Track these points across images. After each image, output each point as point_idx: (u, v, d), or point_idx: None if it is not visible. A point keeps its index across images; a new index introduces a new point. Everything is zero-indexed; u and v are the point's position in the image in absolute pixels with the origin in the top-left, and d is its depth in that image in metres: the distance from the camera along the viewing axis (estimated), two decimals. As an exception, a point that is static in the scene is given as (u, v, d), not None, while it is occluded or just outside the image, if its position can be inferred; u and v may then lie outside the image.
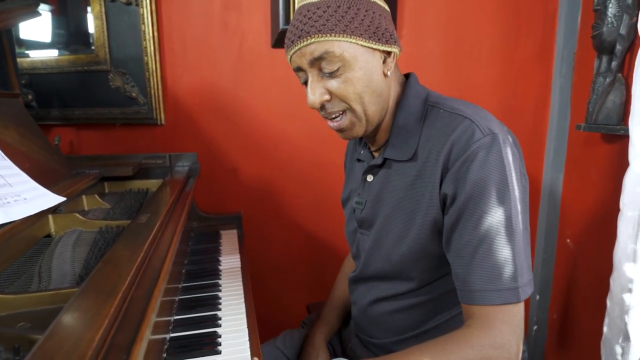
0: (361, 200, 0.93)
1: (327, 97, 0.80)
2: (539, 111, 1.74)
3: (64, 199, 0.90)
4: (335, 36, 0.75)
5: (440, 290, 0.86)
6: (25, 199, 0.81)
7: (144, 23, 1.61)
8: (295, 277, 1.87)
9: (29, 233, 0.91)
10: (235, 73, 1.68)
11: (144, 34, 1.62)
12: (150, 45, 1.62)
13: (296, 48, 0.78)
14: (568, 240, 1.64)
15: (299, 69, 0.82)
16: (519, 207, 0.74)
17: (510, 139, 0.81)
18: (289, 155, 1.75)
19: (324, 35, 0.75)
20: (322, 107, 0.82)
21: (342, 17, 0.75)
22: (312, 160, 1.75)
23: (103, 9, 1.62)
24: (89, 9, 1.63)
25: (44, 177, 1.02)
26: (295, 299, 1.86)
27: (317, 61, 0.77)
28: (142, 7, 1.59)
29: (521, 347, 0.74)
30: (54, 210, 0.97)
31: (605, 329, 1.23)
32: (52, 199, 0.88)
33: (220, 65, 1.67)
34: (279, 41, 1.61)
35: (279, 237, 1.82)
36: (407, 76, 0.91)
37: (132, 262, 0.64)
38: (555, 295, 1.75)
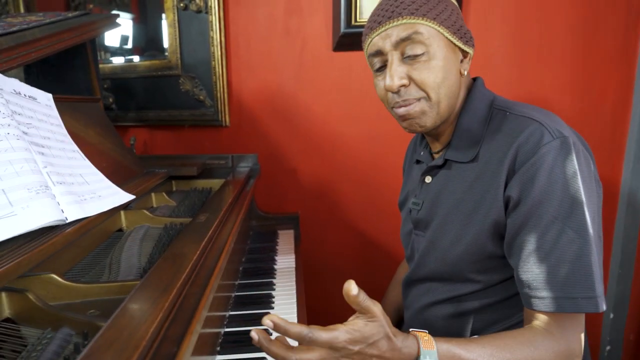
0: (418, 201, 0.93)
1: (405, 81, 0.79)
2: (618, 114, 1.61)
3: (134, 196, 0.98)
4: (426, 20, 0.77)
5: (502, 295, 0.83)
6: (100, 196, 0.89)
7: (212, 29, 1.69)
8: (349, 277, 1.86)
9: (104, 227, 1.00)
10: (296, 76, 1.71)
11: (212, 39, 1.70)
12: (217, 51, 1.71)
13: (383, 29, 0.79)
14: (648, 256, 1.50)
15: (377, 53, 0.82)
16: (588, 214, 0.71)
17: (581, 144, 0.77)
18: (347, 157, 1.76)
19: (417, 17, 0.77)
20: (397, 92, 0.81)
21: (433, 6, 0.78)
22: (369, 162, 1.75)
23: (176, 17, 1.72)
24: (163, 16, 1.74)
25: (118, 175, 1.11)
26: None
27: (402, 42, 0.78)
28: (212, 14, 1.68)
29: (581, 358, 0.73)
30: (125, 206, 1.05)
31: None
32: (124, 197, 0.96)
33: (282, 69, 1.71)
34: (339, 45, 1.62)
35: (335, 238, 1.83)
36: (474, 80, 0.91)
37: (189, 260, 0.68)
38: (632, 314, 1.61)
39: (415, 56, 0.78)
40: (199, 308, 0.59)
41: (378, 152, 1.73)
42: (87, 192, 0.87)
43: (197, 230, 0.83)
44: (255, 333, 0.61)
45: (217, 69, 1.73)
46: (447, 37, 0.79)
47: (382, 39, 0.80)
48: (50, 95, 0.97)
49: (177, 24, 1.73)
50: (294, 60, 1.70)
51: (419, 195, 0.93)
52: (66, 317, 0.62)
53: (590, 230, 0.70)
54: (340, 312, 1.86)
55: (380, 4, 0.82)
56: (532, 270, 0.73)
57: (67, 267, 0.83)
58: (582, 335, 0.73)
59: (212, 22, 1.68)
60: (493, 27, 1.59)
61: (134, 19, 1.87)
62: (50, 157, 0.82)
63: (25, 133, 0.79)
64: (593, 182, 0.75)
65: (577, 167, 0.71)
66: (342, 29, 1.59)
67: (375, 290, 1.84)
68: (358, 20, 1.59)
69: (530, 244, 0.72)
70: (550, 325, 0.72)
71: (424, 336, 0.70)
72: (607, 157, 1.61)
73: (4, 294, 0.64)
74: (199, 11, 1.69)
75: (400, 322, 1.13)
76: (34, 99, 0.91)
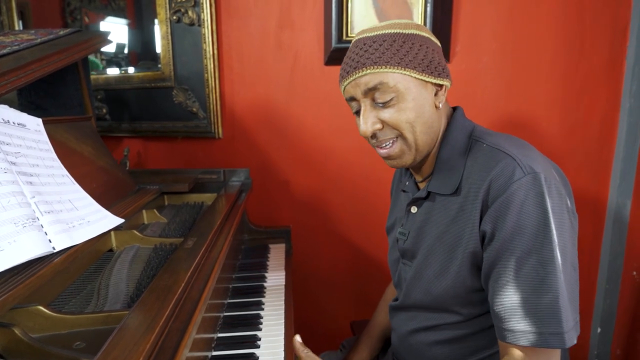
0: (404, 231, 0.95)
1: (378, 126, 0.83)
2: (605, 131, 1.62)
3: (123, 220, 0.99)
4: (389, 68, 0.79)
5: (482, 325, 0.86)
6: (88, 222, 0.90)
7: (205, 42, 1.70)
8: (340, 292, 1.89)
9: (93, 248, 1.01)
10: (288, 89, 1.72)
11: (205, 52, 1.71)
12: (210, 63, 1.71)
13: (351, 78, 0.83)
14: (634, 273, 1.52)
15: (352, 99, 0.86)
16: (558, 249, 0.72)
17: (556, 176, 0.78)
18: (339, 169, 1.77)
19: (379, 67, 0.79)
20: (374, 135, 0.85)
21: (397, 50, 0.79)
22: (361, 175, 1.76)
23: (169, 30, 1.73)
24: (157, 29, 1.75)
25: (110, 194, 1.12)
26: (340, 315, 1.88)
27: (370, 91, 0.81)
28: (204, 27, 1.68)
29: None
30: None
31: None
32: (113, 221, 0.97)
33: (275, 82, 1.72)
34: (331, 59, 1.63)
35: (326, 251, 1.85)
36: (454, 109, 0.91)
37: (173, 294, 0.69)
38: (619, 329, 1.63)
39: (385, 102, 0.81)
40: (181, 346, 0.60)
41: (370, 164, 1.74)
42: (75, 218, 0.88)
43: (184, 259, 0.85)
44: None
45: (210, 81, 1.74)
46: (415, 77, 0.80)
47: (352, 88, 0.83)
48: (39, 120, 0.97)
49: (170, 36, 1.73)
50: (286, 73, 1.71)
51: (405, 225, 0.95)
52: (51, 353, 0.64)
53: (560, 265, 0.72)
54: (331, 324, 1.89)
55: (349, 51, 0.85)
56: (503, 304, 0.74)
57: (54, 295, 0.84)
58: None
59: (204, 34, 1.69)
60: (482, 43, 1.60)
61: (129, 25, 1.88)
62: (39, 186, 0.83)
63: (14, 163, 0.80)
64: (565, 215, 0.75)
65: (548, 202, 0.72)
66: (334, 44, 1.60)
67: (366, 304, 1.86)
68: (349, 35, 1.61)
69: (503, 278, 0.74)
70: (520, 358, 0.74)
71: None
72: (594, 173, 1.63)
73: (-10, 329, 0.65)
74: (191, 24, 1.70)
75: (387, 344, 1.14)
76: (23, 125, 0.91)
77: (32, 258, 0.70)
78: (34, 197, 0.79)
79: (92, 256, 1.00)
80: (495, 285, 0.75)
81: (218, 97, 1.75)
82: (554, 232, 0.72)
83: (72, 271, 0.91)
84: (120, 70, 1.87)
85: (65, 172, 0.96)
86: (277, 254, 1.47)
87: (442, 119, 0.87)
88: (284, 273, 1.32)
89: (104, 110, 1.86)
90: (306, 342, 0.92)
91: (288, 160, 1.79)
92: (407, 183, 0.98)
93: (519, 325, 0.72)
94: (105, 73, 1.88)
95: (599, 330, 1.68)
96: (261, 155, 1.79)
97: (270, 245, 1.55)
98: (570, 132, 1.61)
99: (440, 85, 0.84)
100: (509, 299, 0.73)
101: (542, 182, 0.73)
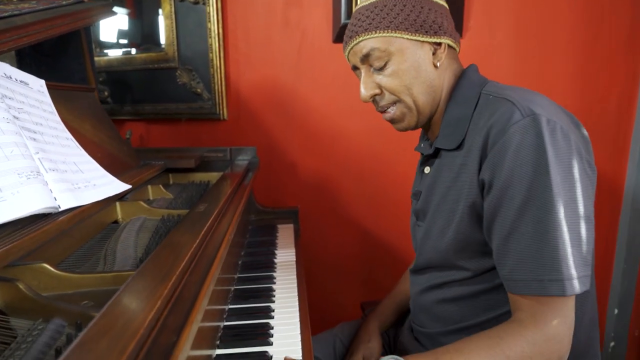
0: (417, 192, 0.94)
1: (377, 90, 0.85)
2: (623, 108, 1.59)
3: (129, 186, 0.95)
4: (379, 32, 0.81)
5: (491, 282, 0.82)
6: (94, 185, 0.86)
7: (210, 21, 1.66)
8: (349, 273, 1.85)
9: (98, 219, 0.96)
10: (295, 69, 1.68)
11: (210, 31, 1.67)
12: (215, 43, 1.67)
13: (349, 48, 0.86)
14: (654, 250, 1.48)
15: (355, 68, 0.89)
16: (560, 197, 0.68)
17: (568, 123, 0.75)
18: (347, 151, 1.73)
19: (370, 32, 0.82)
20: (374, 100, 0.88)
21: (387, 14, 0.81)
22: (369, 156, 1.72)
23: (173, 9, 1.69)
24: (159, 10, 1.71)
25: (114, 167, 1.07)
26: (350, 296, 1.84)
27: (366, 58, 0.84)
28: (209, 5, 1.64)
29: (572, 339, 0.72)
30: (120, 198, 1.01)
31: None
32: (119, 186, 0.92)
33: (281, 61, 1.68)
34: (339, 36, 1.59)
35: (334, 233, 1.81)
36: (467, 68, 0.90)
37: (188, 248, 0.65)
38: (637, 310, 1.59)
39: (380, 67, 0.83)
40: (200, 296, 0.56)
41: (378, 145, 1.70)
42: (81, 180, 0.83)
43: (197, 219, 0.80)
44: None
45: (214, 62, 1.69)
46: (408, 39, 0.81)
47: (352, 56, 0.87)
48: (42, 82, 0.93)
49: (174, 16, 1.69)
50: (293, 52, 1.67)
51: (419, 186, 0.95)
52: (58, 308, 0.59)
53: (561, 213, 0.68)
54: (339, 308, 1.84)
55: (349, 21, 0.87)
56: (507, 254, 0.73)
57: (59, 258, 0.79)
58: (567, 316, 0.71)
59: (209, 13, 1.65)
60: (496, 20, 1.57)
61: (129, 14, 1.83)
62: (43, 144, 0.79)
63: (16, 117, 0.76)
64: (575, 161, 0.71)
65: (548, 146, 0.68)
66: (343, 20, 1.56)
67: (376, 285, 1.82)
68: (359, 11, 1.56)
69: (504, 228, 0.72)
70: (531, 310, 0.71)
71: None
72: (612, 151, 1.59)
73: (-8, 284, 0.61)
74: (196, 2, 1.66)
75: (407, 313, 1.12)
76: (26, 84, 0.87)
77: (36, 212, 0.66)
78: (37, 152, 0.74)
79: (96, 226, 0.96)
80: (498, 236, 0.74)
81: (223, 77, 1.71)
82: (557, 177, 0.68)
83: (77, 237, 0.87)
84: (122, 52, 1.83)
85: (69, 135, 0.92)
86: (285, 233, 1.43)
87: (444, 77, 0.86)
88: (294, 250, 1.28)
89: (106, 93, 1.81)
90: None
91: (294, 142, 1.74)
92: (422, 145, 0.98)
93: (522, 275, 0.71)
94: (107, 55, 1.83)
95: (616, 311, 1.64)
96: (267, 137, 1.75)
97: (279, 226, 1.50)
98: (587, 110, 1.57)
99: (439, 44, 0.83)
100: (510, 249, 0.72)
101: (541, 125, 0.69)
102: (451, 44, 0.85)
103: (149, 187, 1.24)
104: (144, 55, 1.77)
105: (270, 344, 0.82)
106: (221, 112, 1.74)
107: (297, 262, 1.20)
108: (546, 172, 0.68)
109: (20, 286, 0.61)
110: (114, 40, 1.81)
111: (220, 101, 1.73)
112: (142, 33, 1.82)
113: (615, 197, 1.61)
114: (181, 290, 0.56)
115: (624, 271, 1.60)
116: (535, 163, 0.69)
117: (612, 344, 1.67)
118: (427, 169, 0.92)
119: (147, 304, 0.48)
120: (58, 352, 0.51)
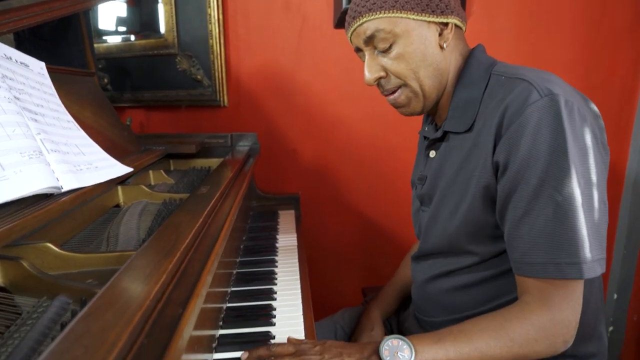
0: (422, 177, 0.92)
1: (382, 73, 0.82)
2: (626, 92, 1.58)
3: (131, 169, 0.94)
4: (384, 13, 0.77)
5: (499, 268, 0.81)
6: (96, 167, 0.86)
7: (210, 6, 1.64)
8: (350, 259, 1.85)
9: (100, 202, 0.96)
10: (296, 54, 1.67)
11: (210, 17, 1.65)
12: (215, 28, 1.66)
13: (352, 29, 0.82)
14: (654, 235, 1.49)
15: (358, 50, 0.85)
16: (576, 177, 0.67)
17: (584, 104, 0.74)
18: (348, 137, 1.73)
19: (374, 13, 0.78)
20: (378, 84, 0.84)
21: None
22: (370, 143, 1.72)
23: (172, -6, 1.67)
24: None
25: (115, 152, 1.07)
26: (350, 283, 1.85)
27: (370, 40, 0.80)
28: (209, -10, 1.63)
29: (578, 323, 0.71)
30: (122, 181, 1.01)
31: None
32: (121, 169, 0.92)
33: (282, 47, 1.67)
34: (341, 21, 1.58)
35: (335, 219, 1.81)
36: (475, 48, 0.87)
37: (191, 227, 0.65)
38: (636, 295, 1.60)
39: (385, 49, 0.80)
40: (204, 272, 0.56)
41: (379, 131, 1.70)
42: (83, 162, 0.83)
43: (199, 201, 0.80)
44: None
45: (215, 47, 1.68)
46: (414, 19, 0.78)
47: (355, 38, 0.83)
48: (42, 64, 0.93)
49: (173, 2, 1.67)
50: (293, 37, 1.66)
51: (424, 171, 0.92)
52: (63, 285, 0.59)
53: (578, 195, 0.67)
54: (339, 295, 1.85)
55: (350, 4, 0.84)
56: (520, 236, 0.71)
57: (63, 239, 0.79)
58: (575, 301, 0.70)
59: (209, -2, 1.63)
60: (500, 2, 1.55)
61: (128, 1, 1.82)
62: (44, 125, 0.78)
63: (17, 98, 0.75)
64: (591, 143, 0.70)
65: (566, 126, 0.67)
66: (344, 4, 1.54)
67: (377, 271, 1.83)
68: (360, -5, 1.55)
69: (519, 209, 0.70)
70: (540, 293, 0.70)
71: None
72: (614, 135, 1.59)
73: (-4, 262, 0.61)
74: (196, -13, 1.64)
75: (408, 299, 1.11)
76: (26, 65, 0.86)
77: (39, 191, 0.66)
78: (39, 133, 0.74)
79: (98, 210, 0.96)
80: (512, 218, 0.72)
81: (223, 63, 1.70)
82: (575, 158, 0.67)
83: (79, 220, 0.87)
84: (121, 39, 1.81)
85: (70, 118, 0.91)
86: (286, 219, 1.43)
87: (450, 59, 0.83)
88: (295, 235, 1.28)
89: (106, 80, 1.80)
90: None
91: (295, 128, 1.74)
92: (426, 128, 0.96)
93: (537, 258, 0.69)
94: (106, 42, 1.81)
95: (615, 296, 1.65)
96: (268, 123, 1.74)
97: (280, 212, 1.51)
98: (590, 93, 1.54)
99: (446, 24, 0.80)
100: (526, 231, 0.70)
101: (560, 105, 0.68)
102: (458, 23, 0.81)
103: (150, 172, 1.24)
104: (143, 41, 1.76)
105: (273, 324, 0.83)
106: (221, 98, 1.73)
107: (298, 246, 1.20)
108: (564, 153, 0.67)
109: (24, 264, 0.61)
110: (112, 28, 1.80)
111: (221, 88, 1.72)
112: (141, 20, 1.81)
113: (616, 182, 1.61)
114: (186, 266, 0.56)
115: (623, 256, 1.61)
116: (553, 144, 0.67)
117: (610, 328, 1.68)
118: (432, 153, 0.90)
119: (153, 278, 0.48)
120: (63, 327, 0.51)
